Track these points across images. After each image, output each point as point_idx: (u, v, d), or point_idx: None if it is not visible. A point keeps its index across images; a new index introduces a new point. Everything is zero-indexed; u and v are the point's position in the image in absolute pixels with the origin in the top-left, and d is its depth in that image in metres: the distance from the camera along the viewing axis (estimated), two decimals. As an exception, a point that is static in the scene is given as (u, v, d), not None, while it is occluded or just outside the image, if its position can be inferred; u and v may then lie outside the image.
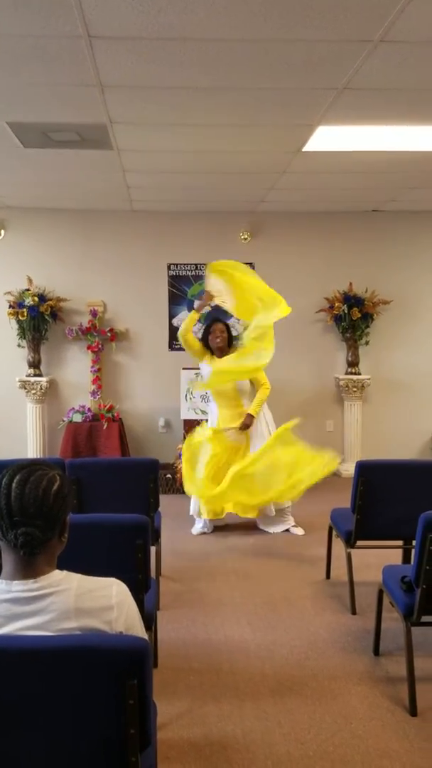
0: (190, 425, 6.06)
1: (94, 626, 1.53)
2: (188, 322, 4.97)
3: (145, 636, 1.65)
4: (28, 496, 1.51)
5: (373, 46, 2.93)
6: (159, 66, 3.12)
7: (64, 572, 1.58)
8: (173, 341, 6.79)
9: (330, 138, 4.22)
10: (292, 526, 5.06)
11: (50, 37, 2.81)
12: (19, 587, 1.52)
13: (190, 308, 6.82)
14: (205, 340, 5.05)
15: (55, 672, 1.47)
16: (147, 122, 3.95)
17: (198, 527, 5.03)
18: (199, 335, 5.22)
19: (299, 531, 5.02)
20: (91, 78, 3.24)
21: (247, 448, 4.87)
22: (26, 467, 1.56)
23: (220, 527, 5.10)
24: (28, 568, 1.53)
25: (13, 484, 1.52)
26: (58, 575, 1.56)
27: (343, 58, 3.06)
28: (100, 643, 1.51)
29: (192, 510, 5.00)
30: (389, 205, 6.44)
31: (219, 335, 4.97)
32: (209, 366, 4.92)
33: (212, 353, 5.00)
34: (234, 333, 5.20)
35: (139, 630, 1.64)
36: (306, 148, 4.43)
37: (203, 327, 5.27)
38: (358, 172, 5.13)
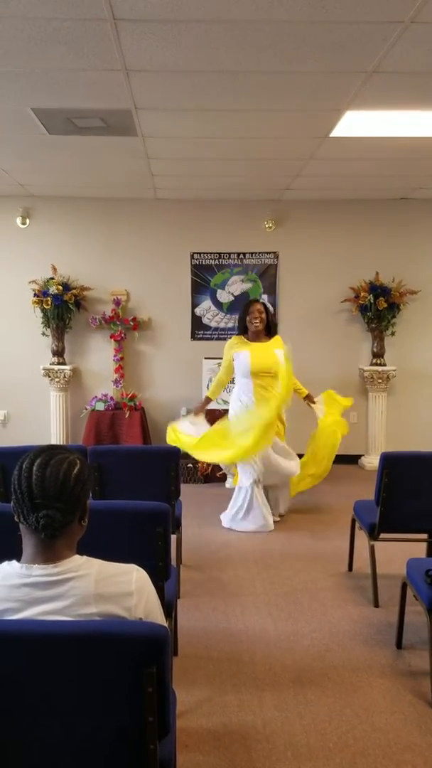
0: (212, 415, 6.04)
1: (113, 612, 1.52)
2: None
3: (165, 623, 1.63)
4: (49, 479, 1.50)
5: (404, 28, 2.85)
6: (185, 49, 3.08)
7: (84, 557, 1.58)
8: (195, 331, 6.78)
9: (358, 123, 4.14)
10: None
11: (75, 20, 2.79)
12: (39, 571, 1.51)
13: (213, 298, 6.80)
14: (242, 323, 4.93)
15: (73, 658, 1.46)
16: (172, 107, 3.92)
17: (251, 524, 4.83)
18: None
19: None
20: (116, 62, 3.21)
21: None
22: (46, 451, 1.55)
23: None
24: (49, 552, 1.53)
25: (34, 468, 1.51)
26: (78, 560, 1.56)
27: (372, 40, 2.98)
28: (120, 630, 1.49)
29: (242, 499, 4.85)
30: (418, 192, 6.32)
31: (258, 315, 4.84)
32: (245, 350, 4.81)
33: (246, 337, 4.89)
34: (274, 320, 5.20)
35: (158, 617, 1.62)
36: (333, 134, 4.36)
37: (242, 310, 5.07)
38: (386, 159, 5.04)
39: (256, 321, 4.83)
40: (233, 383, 5.12)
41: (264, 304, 5.00)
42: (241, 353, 4.85)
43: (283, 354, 4.79)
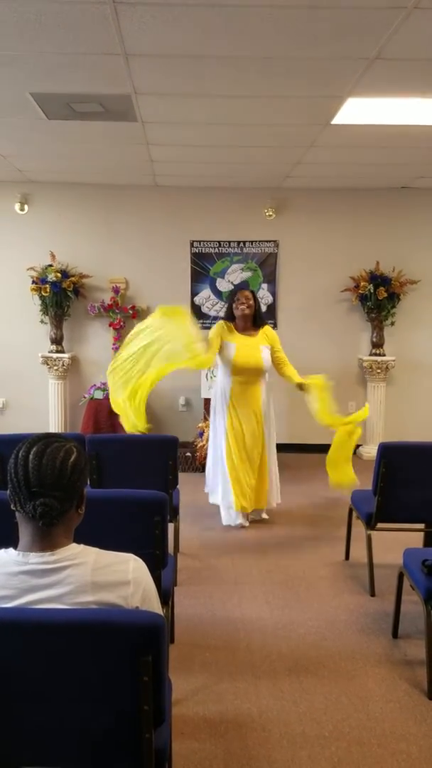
0: (210, 405, 6.03)
1: (110, 601, 1.52)
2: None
3: (161, 612, 1.63)
4: (46, 468, 1.49)
5: (407, 13, 2.82)
6: (185, 34, 3.04)
7: (81, 546, 1.57)
8: (195, 319, 6.74)
9: (360, 110, 4.10)
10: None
11: (74, 4, 2.75)
12: (36, 559, 1.51)
13: (213, 286, 6.77)
14: (230, 310, 4.75)
15: (69, 646, 1.46)
16: (172, 93, 3.88)
17: (231, 519, 4.76)
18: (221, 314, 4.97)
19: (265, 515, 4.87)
20: (115, 46, 3.18)
21: (261, 429, 4.69)
22: (42, 439, 1.55)
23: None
24: (46, 540, 1.52)
25: (31, 456, 1.50)
26: (75, 548, 1.55)
27: (374, 25, 2.95)
28: (116, 618, 1.49)
29: (220, 500, 4.77)
30: (419, 181, 6.28)
31: (245, 302, 4.64)
32: (233, 342, 4.64)
33: (234, 327, 4.71)
34: (263, 309, 4.96)
35: (155, 606, 1.62)
36: (335, 121, 4.32)
37: (228, 296, 4.93)
38: (387, 147, 5.00)
39: (242, 306, 4.64)
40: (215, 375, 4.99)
41: (252, 292, 4.81)
42: (230, 344, 4.66)
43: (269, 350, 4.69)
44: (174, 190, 6.61)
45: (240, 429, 4.67)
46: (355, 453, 6.70)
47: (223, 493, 4.71)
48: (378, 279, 6.45)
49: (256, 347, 4.68)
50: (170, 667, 2.65)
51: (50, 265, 6.45)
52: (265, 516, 4.88)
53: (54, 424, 6.55)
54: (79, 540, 1.59)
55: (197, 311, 6.76)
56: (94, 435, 4.61)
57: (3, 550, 1.56)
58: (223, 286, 6.71)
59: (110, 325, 6.62)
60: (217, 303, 6.71)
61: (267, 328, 4.82)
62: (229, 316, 4.79)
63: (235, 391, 4.69)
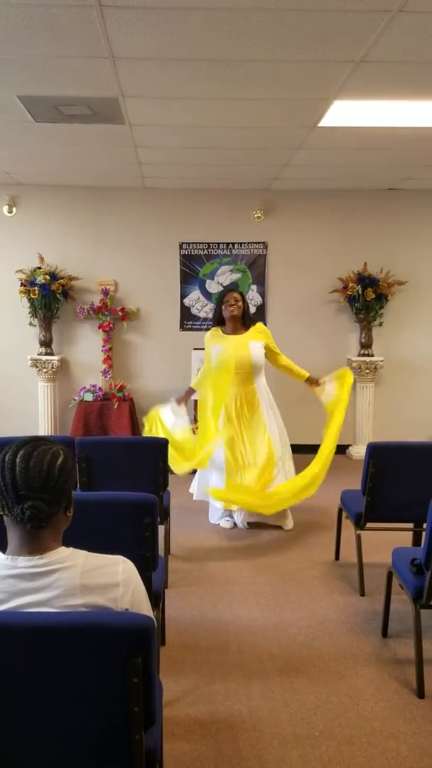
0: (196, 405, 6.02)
1: (99, 603, 1.52)
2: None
3: (152, 614, 1.64)
4: (33, 470, 1.50)
5: (392, 17, 2.84)
6: (172, 37, 3.05)
7: (70, 549, 1.58)
8: (184, 321, 6.76)
9: (346, 113, 4.13)
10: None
11: (61, 7, 2.75)
12: (25, 563, 1.51)
13: (202, 288, 6.78)
14: (218, 312, 4.75)
15: (59, 649, 1.46)
16: (159, 96, 3.88)
17: (218, 517, 4.79)
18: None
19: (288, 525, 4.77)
20: (102, 49, 3.18)
21: (260, 417, 4.64)
22: (29, 442, 1.55)
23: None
24: (34, 544, 1.52)
25: (18, 459, 1.51)
26: (64, 552, 1.56)
27: (360, 29, 2.97)
28: (105, 621, 1.50)
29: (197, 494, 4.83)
30: (406, 183, 6.32)
31: (234, 303, 4.64)
32: (219, 345, 4.63)
33: (223, 329, 4.71)
34: (252, 309, 4.96)
35: (145, 608, 1.63)
36: (322, 124, 4.34)
37: (217, 299, 4.97)
38: (374, 149, 5.03)
39: (231, 308, 4.64)
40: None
41: (241, 294, 4.81)
42: (215, 348, 4.66)
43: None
44: (163, 192, 6.62)
45: (241, 439, 4.59)
46: (344, 453, 6.79)
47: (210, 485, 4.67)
48: (366, 280, 6.48)
49: (244, 344, 4.65)
50: (161, 669, 2.66)
51: (39, 268, 6.44)
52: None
53: (44, 427, 6.53)
54: (68, 543, 1.59)
55: (187, 313, 6.77)
56: (83, 437, 4.61)
57: (-8, 554, 1.56)
58: (213, 287, 6.72)
59: (99, 327, 6.61)
60: (206, 305, 6.72)
61: (258, 325, 4.83)
62: (218, 319, 4.80)
63: (229, 396, 4.61)
